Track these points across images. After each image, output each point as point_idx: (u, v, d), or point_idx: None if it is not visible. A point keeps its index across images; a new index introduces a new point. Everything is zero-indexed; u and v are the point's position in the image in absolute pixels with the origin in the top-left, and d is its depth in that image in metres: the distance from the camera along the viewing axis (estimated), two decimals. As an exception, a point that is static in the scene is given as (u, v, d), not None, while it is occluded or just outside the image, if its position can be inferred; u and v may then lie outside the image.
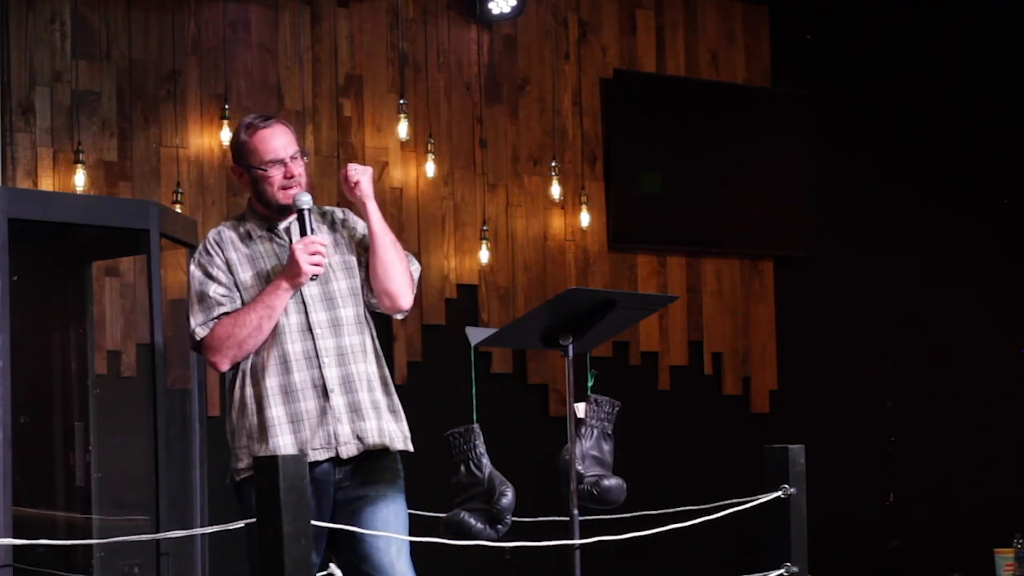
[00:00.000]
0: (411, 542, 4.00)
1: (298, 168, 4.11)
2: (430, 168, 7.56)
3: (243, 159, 4.12)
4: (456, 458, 3.88)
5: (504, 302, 7.92)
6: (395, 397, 4.14)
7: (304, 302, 4.05)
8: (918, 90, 8.98)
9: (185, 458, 5.40)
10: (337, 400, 4.01)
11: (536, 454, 5.95)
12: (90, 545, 5.09)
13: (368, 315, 4.16)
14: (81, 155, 6.68)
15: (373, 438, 4.01)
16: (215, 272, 4.08)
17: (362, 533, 3.91)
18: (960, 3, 8.62)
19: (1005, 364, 8.81)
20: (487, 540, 3.82)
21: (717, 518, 4.23)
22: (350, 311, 4.09)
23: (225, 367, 4.06)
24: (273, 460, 3.32)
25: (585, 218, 8.13)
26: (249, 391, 4.05)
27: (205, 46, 7.14)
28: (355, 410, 4.02)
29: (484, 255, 7.75)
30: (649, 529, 4.14)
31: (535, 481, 4.83)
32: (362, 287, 4.14)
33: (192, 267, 4.13)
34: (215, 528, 3.78)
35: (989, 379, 8.82)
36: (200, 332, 4.05)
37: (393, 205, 7.61)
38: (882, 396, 8.47)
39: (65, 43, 6.79)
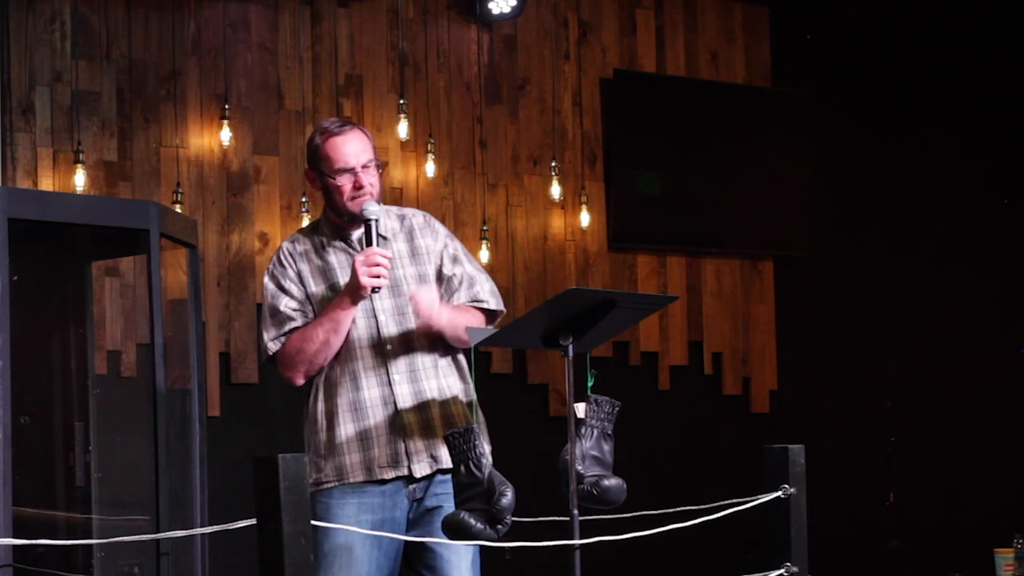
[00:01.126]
0: (479, 551, 4.03)
1: (369, 177, 4.05)
2: (430, 168, 7.56)
3: (316, 164, 4.07)
4: (456, 458, 3.88)
5: (504, 302, 7.91)
6: (464, 408, 4.10)
7: (376, 316, 4.00)
8: (918, 90, 8.99)
9: (185, 458, 5.40)
10: (409, 417, 3.98)
11: (536, 454, 5.95)
12: (90, 545, 5.08)
13: None
14: (81, 155, 6.68)
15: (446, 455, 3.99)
16: (287, 285, 4.05)
17: (434, 545, 3.90)
18: (960, 3, 8.63)
19: (1005, 364, 8.82)
20: (487, 540, 3.82)
21: (717, 518, 4.23)
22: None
23: (300, 381, 4.02)
24: (273, 460, 3.31)
25: (585, 218, 8.13)
26: (321, 406, 4.02)
27: (205, 46, 7.14)
28: (427, 427, 4.00)
29: (484, 255, 7.75)
30: (649, 529, 4.14)
31: (535, 481, 4.83)
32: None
33: (266, 279, 4.11)
34: (215, 528, 3.78)
35: (989, 379, 8.83)
36: (272, 347, 4.01)
37: (393, 205, 7.60)
38: (882, 396, 8.48)
39: (65, 43, 6.79)
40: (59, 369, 5.52)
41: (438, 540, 3.86)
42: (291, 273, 4.06)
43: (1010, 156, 8.93)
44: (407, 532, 4.02)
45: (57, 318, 5.56)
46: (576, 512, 3.87)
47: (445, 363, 4.08)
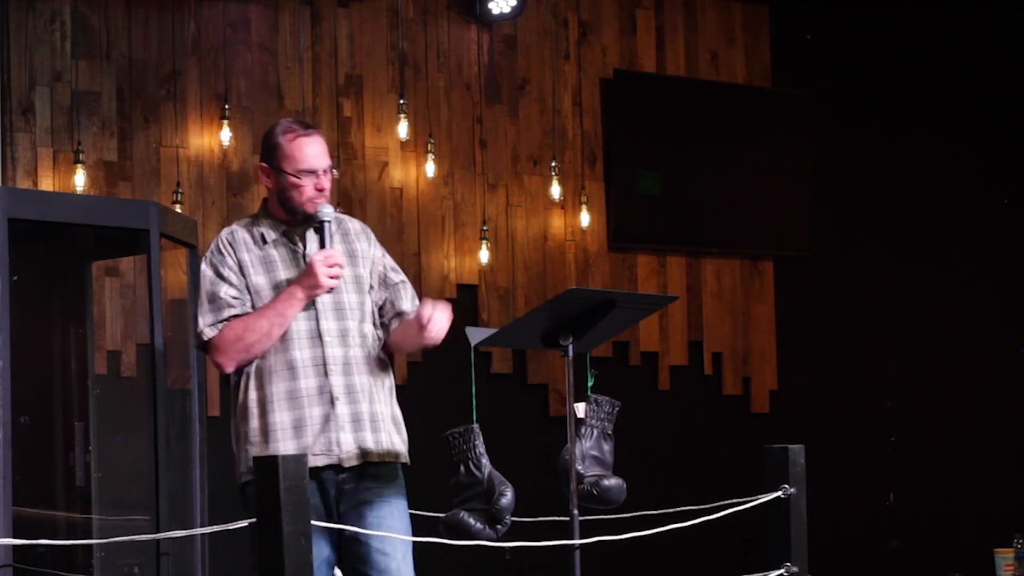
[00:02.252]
0: (412, 543, 4.00)
1: (328, 181, 4.10)
2: (430, 168, 7.56)
3: (275, 160, 4.10)
4: (456, 458, 3.88)
5: (504, 302, 7.92)
6: (397, 408, 4.15)
7: (316, 309, 4.05)
8: (918, 90, 8.99)
9: (185, 458, 5.40)
10: (341, 409, 4.01)
11: (536, 454, 5.96)
12: (90, 545, 5.08)
13: (373, 329, 4.16)
14: (81, 155, 6.68)
15: (376, 450, 4.02)
16: (226, 273, 4.07)
17: (367, 538, 3.92)
18: (960, 3, 8.63)
19: (1005, 364, 8.82)
20: (487, 540, 3.82)
21: (717, 518, 4.23)
22: (355, 324, 4.10)
23: (231, 369, 4.05)
24: (273, 460, 3.32)
25: (585, 218, 8.13)
26: (254, 395, 4.04)
27: (205, 46, 7.14)
28: (357, 420, 4.03)
29: (484, 255, 7.75)
30: (649, 529, 4.14)
31: (535, 481, 4.83)
32: (371, 308, 4.15)
33: (204, 265, 4.11)
34: (215, 528, 3.78)
35: (989, 379, 8.83)
36: (208, 332, 4.04)
37: (393, 205, 7.61)
38: (882, 396, 8.48)
39: (65, 43, 6.79)
40: (59, 369, 5.52)
41: (371, 532, 3.90)
42: (230, 262, 4.09)
43: (1010, 156, 8.93)
44: (347, 522, 4.01)
45: (57, 318, 5.56)
46: (576, 512, 3.87)
47: (375, 359, 4.12)
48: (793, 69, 8.93)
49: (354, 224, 4.26)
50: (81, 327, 5.58)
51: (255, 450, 4.00)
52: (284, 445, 3.98)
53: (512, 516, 3.87)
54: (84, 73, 6.82)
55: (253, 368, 4.05)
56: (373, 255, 4.21)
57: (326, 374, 4.02)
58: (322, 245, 4.05)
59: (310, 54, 7.42)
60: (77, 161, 6.66)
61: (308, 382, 4.02)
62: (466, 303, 7.79)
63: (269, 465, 3.32)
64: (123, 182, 6.88)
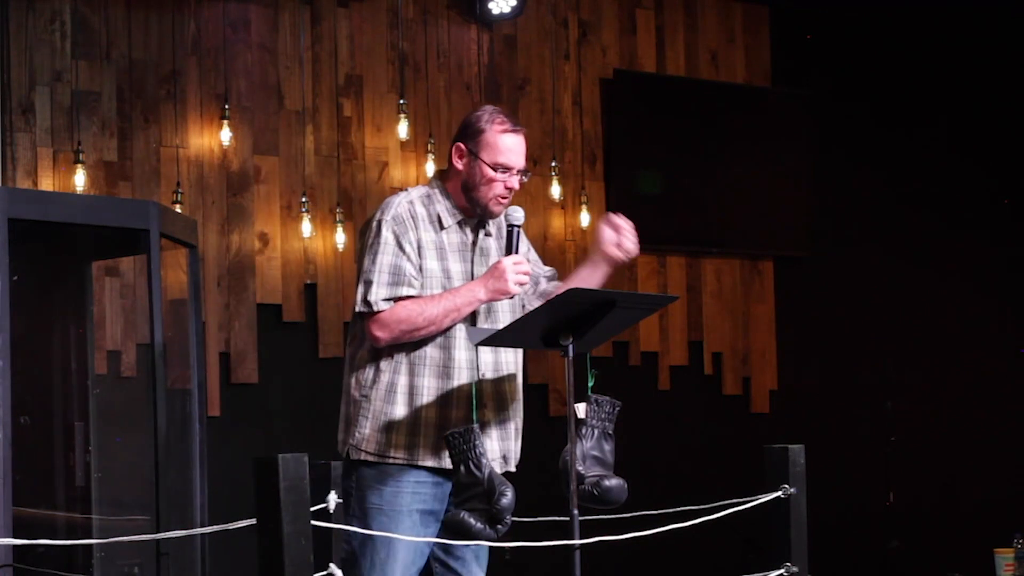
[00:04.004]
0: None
1: (517, 184, 4.06)
2: (430, 168, 7.56)
3: (475, 145, 4.04)
4: (456, 458, 3.88)
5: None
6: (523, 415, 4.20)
7: (474, 311, 4.03)
8: (918, 90, 8.98)
9: (185, 458, 5.40)
10: (488, 416, 4.02)
11: (536, 454, 5.95)
12: (90, 545, 5.09)
13: None
14: (81, 155, 6.68)
15: (516, 459, 4.10)
16: (407, 248, 3.99)
17: (463, 545, 3.96)
18: (960, 3, 8.62)
19: (1005, 364, 8.81)
20: (487, 540, 3.82)
21: (717, 518, 4.23)
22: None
23: (384, 343, 3.97)
24: (273, 460, 3.32)
25: (585, 218, 8.13)
26: (404, 380, 3.99)
27: (205, 46, 7.14)
28: (503, 428, 4.06)
29: (484, 255, 7.75)
30: (649, 529, 4.14)
31: (535, 481, 4.83)
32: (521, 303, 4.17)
33: (385, 231, 4.01)
34: (215, 528, 3.78)
35: (989, 379, 8.82)
36: (382, 305, 3.95)
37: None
38: (882, 396, 8.48)
39: (65, 43, 6.79)
40: (59, 369, 5.53)
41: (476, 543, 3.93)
42: (411, 237, 4.01)
43: (1010, 157, 8.92)
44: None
45: (57, 318, 5.56)
46: (576, 512, 3.87)
47: (523, 362, 4.13)
48: (793, 69, 8.93)
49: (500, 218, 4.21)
50: (81, 327, 5.58)
51: (393, 436, 3.97)
52: (425, 440, 3.97)
53: (512, 516, 3.87)
54: (84, 73, 6.82)
55: (408, 355, 4.00)
56: (532, 256, 4.24)
57: (478, 377, 4.01)
58: (509, 250, 4.00)
59: (310, 54, 7.42)
60: (77, 161, 6.66)
61: (461, 383, 4.00)
62: (466, 303, 7.78)
63: (269, 465, 3.32)
64: (123, 182, 6.88)
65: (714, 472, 7.97)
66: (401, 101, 7.47)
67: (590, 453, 4.01)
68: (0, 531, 4.53)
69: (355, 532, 3.91)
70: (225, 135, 7.05)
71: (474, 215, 4.08)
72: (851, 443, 8.52)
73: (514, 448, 4.11)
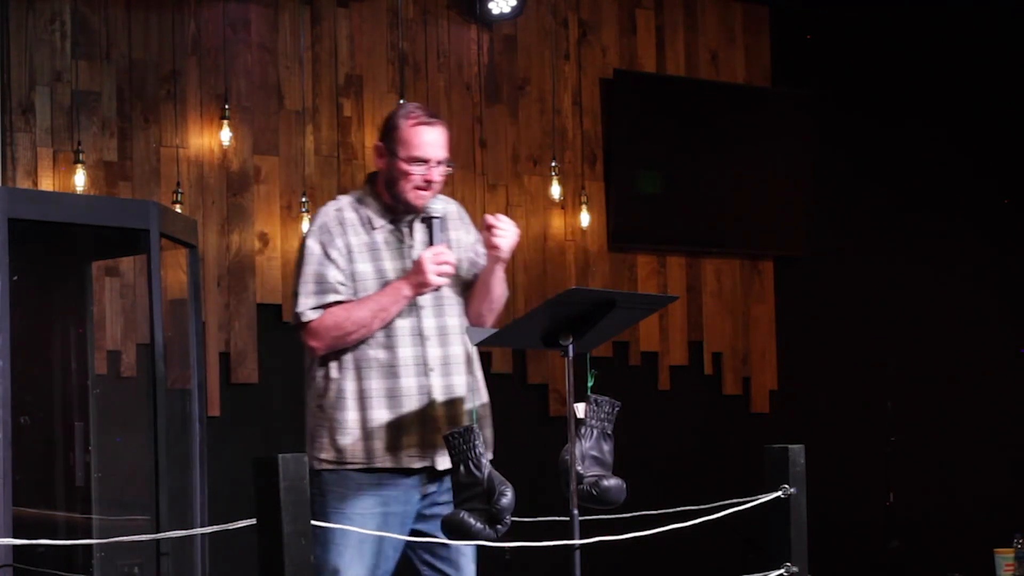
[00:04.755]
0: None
1: (438, 175, 4.05)
2: (430, 168, 7.56)
3: (390, 142, 4.06)
4: (455, 458, 3.88)
5: (504, 303, 7.91)
6: (487, 402, 4.15)
7: (418, 305, 4.02)
8: (918, 90, 8.98)
9: (185, 458, 5.40)
10: (439, 411, 4.01)
11: (536, 454, 5.95)
12: (90, 545, 5.08)
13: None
14: (81, 155, 6.68)
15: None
16: (334, 254, 4.01)
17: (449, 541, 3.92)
18: (960, 3, 8.62)
19: (1005, 364, 8.81)
20: (486, 540, 3.82)
21: (717, 518, 4.23)
22: (455, 320, 4.09)
23: (321, 353, 4.00)
24: (273, 460, 3.31)
25: (585, 218, 8.13)
26: (351, 385, 4.00)
27: (205, 46, 7.14)
28: (455, 423, 4.02)
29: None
30: (649, 529, 4.14)
31: (535, 481, 4.83)
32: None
33: (311, 241, 4.03)
34: (215, 528, 3.78)
35: (989, 379, 8.82)
36: (310, 315, 3.98)
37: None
38: (882, 396, 8.47)
39: (65, 43, 6.79)
40: (59, 369, 5.52)
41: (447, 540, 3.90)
42: (339, 243, 4.03)
43: (1010, 156, 8.92)
44: (416, 524, 4.03)
45: (57, 318, 5.56)
46: (576, 512, 3.87)
47: (474, 359, 4.11)
48: (793, 69, 8.93)
49: (450, 207, 4.20)
50: (81, 327, 5.57)
51: (346, 440, 3.97)
52: (379, 444, 3.96)
53: (512, 516, 3.87)
54: (84, 73, 6.82)
55: (354, 359, 4.00)
56: (465, 241, 4.19)
57: (426, 374, 4.00)
58: (431, 242, 4.00)
59: (310, 54, 7.42)
60: (77, 161, 6.66)
61: (408, 381, 3.99)
62: (466, 303, 7.79)
63: (269, 465, 3.32)
64: (123, 182, 6.88)
65: (714, 472, 7.96)
66: (401, 101, 7.46)
67: (589, 453, 4.01)
68: (0, 531, 4.52)
69: (320, 540, 3.89)
70: (225, 135, 7.05)
71: (401, 212, 4.07)
72: (851, 443, 8.51)
73: None
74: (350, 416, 3.98)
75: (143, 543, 4.97)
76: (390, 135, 4.07)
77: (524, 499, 3.96)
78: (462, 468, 3.86)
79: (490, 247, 4.10)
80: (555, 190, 8.00)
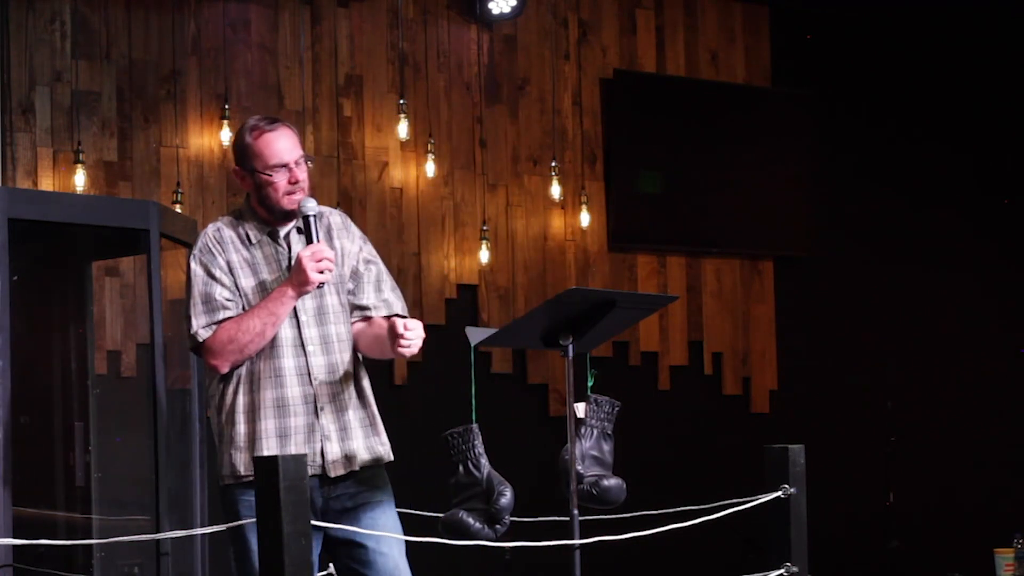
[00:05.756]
0: (410, 542, 4.00)
1: (302, 173, 4.06)
2: (430, 168, 7.56)
3: (247, 162, 4.06)
4: (455, 458, 3.88)
5: (504, 302, 7.92)
6: (375, 409, 4.12)
7: (297, 316, 4.02)
8: (918, 90, 8.99)
9: (185, 458, 5.40)
10: (326, 419, 3.99)
11: (536, 454, 5.95)
12: (90, 545, 5.08)
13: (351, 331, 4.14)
14: (81, 155, 6.68)
15: (363, 457, 4.01)
16: (218, 273, 4.04)
17: (364, 539, 3.90)
18: (960, 4, 8.63)
19: (1005, 364, 8.82)
20: (486, 540, 3.82)
21: (717, 518, 4.23)
22: (341, 327, 4.07)
23: (225, 370, 4.02)
24: (273, 460, 3.32)
25: (585, 218, 8.13)
26: (242, 399, 4.01)
27: (205, 46, 7.14)
28: (344, 429, 4.01)
29: (484, 255, 7.75)
30: (649, 529, 4.14)
31: (535, 481, 4.83)
32: (348, 303, 4.12)
33: (193, 264, 4.08)
34: (215, 528, 3.78)
35: (989, 379, 8.83)
36: (203, 334, 4.01)
37: (393, 205, 7.61)
38: (882, 396, 8.48)
39: (65, 43, 6.79)
40: (59, 369, 5.52)
41: (369, 532, 3.90)
42: (220, 262, 4.06)
43: (1009, 156, 8.92)
44: (328, 520, 4.00)
45: (57, 318, 5.56)
46: (576, 512, 3.87)
47: (358, 365, 4.11)
48: (793, 69, 8.93)
49: (335, 218, 4.19)
50: (81, 327, 5.57)
51: (238, 455, 3.98)
52: (269, 453, 3.95)
53: (512, 516, 3.87)
54: (84, 73, 6.82)
55: (243, 372, 4.02)
56: (350, 251, 4.16)
57: (310, 383, 4.00)
58: (308, 240, 3.99)
59: (310, 54, 7.42)
60: (77, 161, 6.66)
61: (294, 390, 3.99)
62: (466, 303, 7.79)
63: (269, 465, 3.32)
64: (123, 182, 6.88)
65: (714, 472, 7.97)
66: (401, 101, 7.47)
67: (589, 453, 4.01)
68: (0, 531, 4.52)
69: (234, 551, 3.89)
70: (225, 135, 7.05)
71: (279, 222, 4.08)
72: (851, 443, 8.52)
73: (358, 447, 4.00)
74: (241, 430, 4.00)
75: (143, 543, 4.97)
76: (243, 154, 4.08)
77: (524, 499, 3.95)
78: (461, 468, 3.86)
79: (398, 348, 4.00)
80: (555, 190, 8.00)
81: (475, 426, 3.90)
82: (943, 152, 8.97)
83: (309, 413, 3.99)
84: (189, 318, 4.05)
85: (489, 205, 7.88)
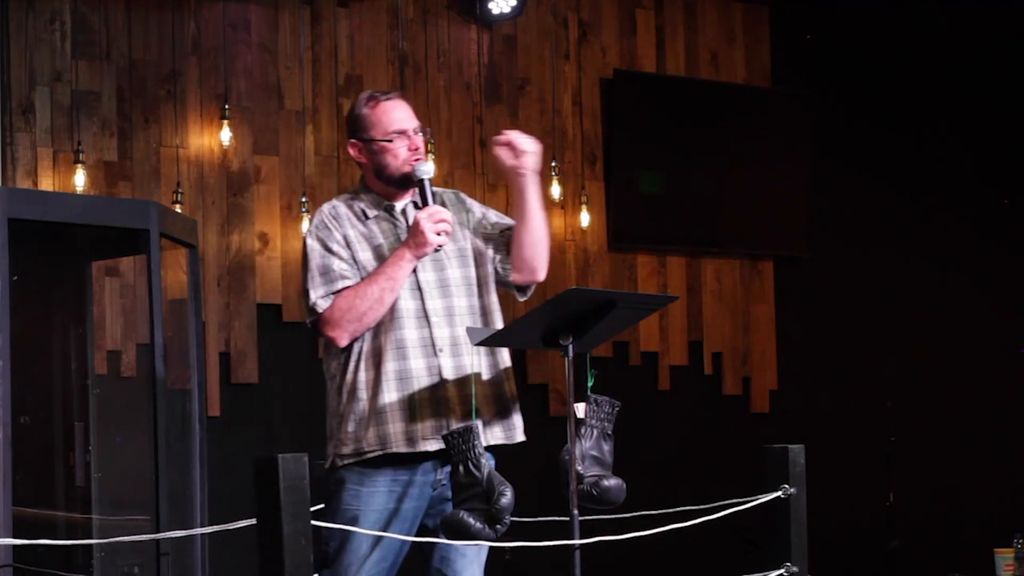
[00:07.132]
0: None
1: (420, 141, 4.06)
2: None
3: (363, 132, 4.04)
4: (455, 458, 3.88)
5: (504, 302, 7.90)
6: (512, 384, 4.14)
7: (420, 288, 4.00)
8: (918, 90, 8.99)
9: (185, 458, 5.40)
10: (451, 390, 3.98)
11: (536, 454, 5.96)
12: (90, 545, 5.09)
13: (485, 305, 4.17)
14: (81, 155, 6.68)
15: (484, 434, 3.99)
16: (335, 247, 4.00)
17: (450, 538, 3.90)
18: (960, 4, 8.63)
19: (1005, 364, 8.82)
20: (486, 540, 3.82)
21: (717, 518, 4.23)
22: (463, 301, 4.07)
23: (344, 342, 3.97)
24: (273, 460, 3.32)
25: (585, 218, 8.13)
26: (363, 375, 3.97)
27: (205, 46, 7.14)
28: (466, 402, 3.99)
29: (484, 255, 7.75)
30: (649, 529, 4.14)
31: (535, 481, 4.83)
32: (479, 277, 4.16)
33: (309, 240, 4.03)
34: (215, 528, 3.78)
35: (989, 379, 8.83)
36: (322, 304, 3.95)
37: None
38: (882, 396, 8.48)
39: (65, 43, 6.79)
40: (59, 369, 5.53)
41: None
42: (337, 236, 4.02)
43: (1010, 156, 8.92)
44: (426, 514, 4.01)
45: (57, 318, 5.56)
46: (576, 512, 3.87)
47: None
48: (793, 69, 8.93)
49: (448, 195, 4.20)
50: (81, 327, 5.58)
51: (362, 432, 3.95)
52: (393, 427, 3.92)
53: (512, 516, 3.87)
54: (84, 73, 6.82)
55: (364, 348, 3.98)
56: (473, 220, 4.18)
57: (435, 354, 3.98)
58: (424, 203, 3.99)
59: (310, 54, 7.42)
60: (77, 161, 6.66)
61: (417, 363, 3.96)
62: (466, 303, 7.78)
63: (269, 465, 3.32)
64: (123, 182, 6.89)
65: (714, 472, 7.97)
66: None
67: (589, 453, 4.01)
68: (0, 531, 4.53)
69: (335, 533, 3.89)
70: (225, 135, 7.05)
71: (398, 192, 4.07)
72: (851, 443, 8.52)
73: (484, 421, 4.01)
74: (364, 405, 3.96)
75: (143, 543, 4.97)
76: (360, 125, 4.06)
77: (524, 499, 3.95)
78: (461, 468, 3.85)
79: (515, 155, 4.06)
80: (555, 190, 8.00)
81: (474, 425, 3.90)
82: (943, 152, 8.97)
83: (433, 383, 3.96)
84: (307, 292, 4.00)
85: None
